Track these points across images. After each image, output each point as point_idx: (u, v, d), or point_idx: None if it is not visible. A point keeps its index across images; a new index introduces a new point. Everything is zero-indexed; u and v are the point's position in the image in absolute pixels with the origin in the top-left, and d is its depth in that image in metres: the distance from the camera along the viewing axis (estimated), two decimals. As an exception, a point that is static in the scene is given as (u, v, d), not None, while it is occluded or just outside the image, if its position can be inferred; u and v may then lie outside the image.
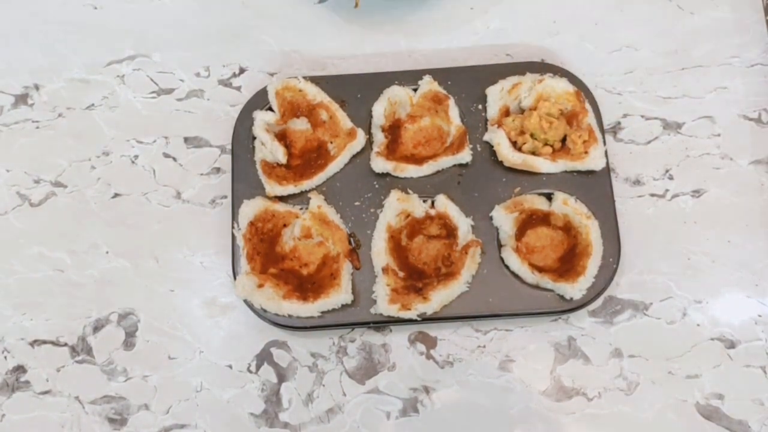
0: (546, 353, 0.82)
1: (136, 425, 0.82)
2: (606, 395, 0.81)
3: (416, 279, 0.82)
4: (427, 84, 0.88)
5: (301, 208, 0.85)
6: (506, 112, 0.88)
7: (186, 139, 0.92)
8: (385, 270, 0.81)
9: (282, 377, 0.83)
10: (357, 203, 0.85)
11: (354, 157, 0.87)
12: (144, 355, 0.84)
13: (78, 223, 0.89)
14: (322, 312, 0.80)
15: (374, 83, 0.89)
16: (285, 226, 0.85)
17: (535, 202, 0.84)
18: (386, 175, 0.86)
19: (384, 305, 0.80)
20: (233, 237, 0.83)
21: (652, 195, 0.87)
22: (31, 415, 0.82)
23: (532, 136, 0.85)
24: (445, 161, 0.86)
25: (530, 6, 0.96)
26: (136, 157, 0.91)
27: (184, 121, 0.92)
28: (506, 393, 0.81)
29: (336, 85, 0.89)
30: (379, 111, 0.87)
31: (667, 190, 0.87)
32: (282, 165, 0.87)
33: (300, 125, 0.89)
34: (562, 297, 0.80)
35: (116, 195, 0.90)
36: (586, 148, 0.85)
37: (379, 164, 0.85)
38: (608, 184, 0.84)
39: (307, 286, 0.83)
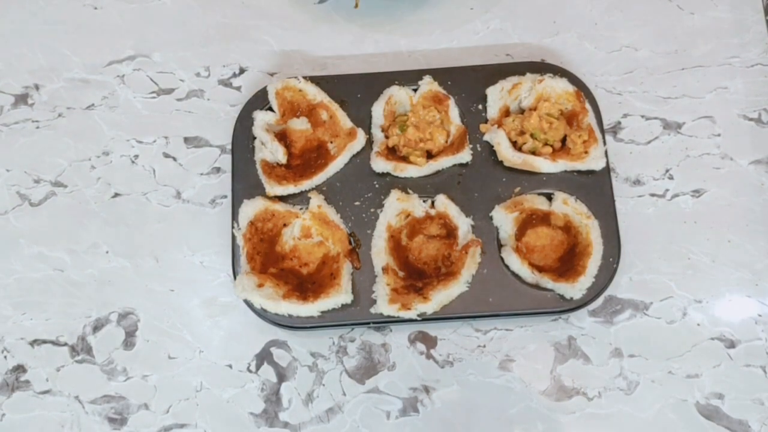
0: (546, 353, 0.82)
1: (136, 425, 0.82)
2: (606, 395, 0.81)
3: (416, 279, 0.82)
4: (427, 84, 0.88)
5: (301, 208, 0.85)
6: (506, 112, 0.88)
7: (186, 139, 0.92)
8: (385, 270, 0.81)
9: (282, 377, 0.83)
10: (357, 203, 0.85)
11: (354, 157, 0.87)
12: (144, 354, 0.84)
13: (78, 223, 0.89)
14: (322, 312, 0.80)
15: (374, 83, 0.89)
16: (285, 225, 0.85)
17: (535, 201, 0.84)
18: (386, 175, 0.86)
19: (384, 305, 0.80)
20: (233, 237, 0.83)
21: (652, 195, 0.87)
22: (31, 414, 0.82)
23: (532, 136, 0.85)
24: (445, 161, 0.86)
25: (530, 6, 0.96)
26: (136, 157, 0.91)
27: (184, 121, 0.92)
28: (506, 393, 0.81)
29: (336, 85, 0.89)
30: (379, 111, 0.87)
31: (667, 190, 0.87)
32: (282, 165, 0.87)
33: (300, 125, 0.89)
34: (562, 297, 0.80)
35: (116, 195, 0.90)
36: (586, 148, 0.85)
37: (379, 164, 0.85)
38: (608, 184, 0.84)
39: (307, 285, 0.83)
